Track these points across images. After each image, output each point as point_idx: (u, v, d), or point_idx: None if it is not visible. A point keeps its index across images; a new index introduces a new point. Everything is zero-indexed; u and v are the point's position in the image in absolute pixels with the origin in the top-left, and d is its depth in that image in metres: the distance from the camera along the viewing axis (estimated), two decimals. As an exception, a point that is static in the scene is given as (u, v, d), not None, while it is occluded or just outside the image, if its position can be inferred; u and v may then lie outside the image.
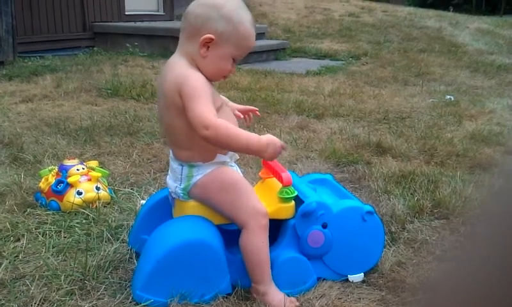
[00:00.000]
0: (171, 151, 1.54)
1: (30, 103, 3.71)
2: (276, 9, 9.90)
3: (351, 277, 1.58)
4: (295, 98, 4.11)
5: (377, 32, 8.93)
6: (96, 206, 1.98)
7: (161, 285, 1.38)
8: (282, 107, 3.81)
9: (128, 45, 6.30)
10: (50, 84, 4.32)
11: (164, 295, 1.38)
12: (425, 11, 12.12)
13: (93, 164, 2.17)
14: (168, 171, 1.59)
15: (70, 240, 1.75)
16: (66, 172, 2.04)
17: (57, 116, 3.36)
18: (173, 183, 1.51)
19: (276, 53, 6.99)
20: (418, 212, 2.06)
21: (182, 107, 1.38)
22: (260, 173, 1.69)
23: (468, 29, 9.61)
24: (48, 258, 1.63)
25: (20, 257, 1.64)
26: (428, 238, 1.86)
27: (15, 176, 2.26)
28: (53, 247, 1.69)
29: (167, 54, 5.62)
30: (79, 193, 1.99)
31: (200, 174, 1.47)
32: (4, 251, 1.66)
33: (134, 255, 1.66)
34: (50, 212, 1.95)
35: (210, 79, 1.46)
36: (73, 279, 1.51)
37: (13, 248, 1.69)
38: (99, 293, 1.46)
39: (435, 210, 2.09)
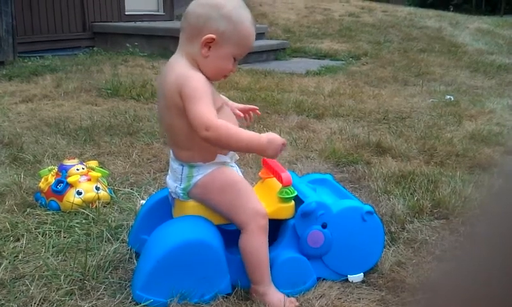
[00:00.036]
0: (171, 151, 1.54)
1: (30, 103, 3.71)
2: (276, 9, 9.90)
3: (350, 277, 1.58)
4: (295, 98, 4.11)
5: (377, 32, 8.93)
6: (96, 206, 1.98)
7: (161, 285, 1.38)
8: (282, 107, 3.81)
9: (128, 45, 6.30)
10: (50, 84, 4.32)
11: (164, 295, 1.38)
12: (425, 11, 12.12)
13: (93, 164, 2.17)
14: (167, 170, 1.59)
15: (70, 240, 1.75)
16: (66, 172, 2.04)
17: (57, 116, 3.36)
18: (173, 183, 1.51)
19: (276, 53, 6.99)
20: (418, 212, 2.06)
21: (183, 107, 1.38)
22: (260, 173, 1.69)
23: (468, 29, 9.61)
24: (48, 258, 1.63)
25: (20, 257, 1.64)
26: (428, 238, 1.86)
27: (15, 176, 2.26)
28: (53, 247, 1.69)
29: (167, 54, 5.62)
30: (79, 193, 1.99)
31: (200, 174, 1.47)
32: (4, 251, 1.66)
33: (134, 255, 1.66)
34: (49, 212, 1.95)
35: (211, 79, 1.47)
36: (73, 279, 1.51)
37: (12, 248, 1.69)
38: (99, 293, 1.46)
39: (435, 210, 2.09)
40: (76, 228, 1.83)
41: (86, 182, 2.04)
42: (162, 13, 7.97)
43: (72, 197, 1.97)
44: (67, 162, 2.11)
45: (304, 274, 1.52)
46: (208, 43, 1.41)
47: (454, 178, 2.44)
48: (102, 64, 5.30)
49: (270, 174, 1.62)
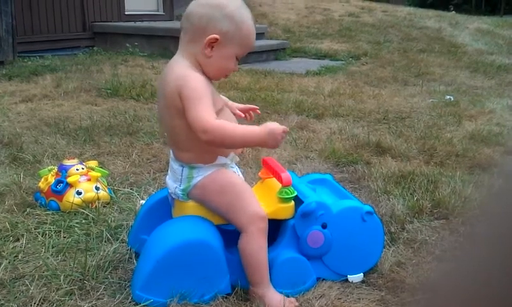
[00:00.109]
0: (171, 152, 1.54)
1: (30, 103, 3.71)
2: (276, 9, 9.90)
3: (350, 278, 1.58)
4: (295, 98, 4.11)
5: (377, 32, 8.93)
6: (96, 206, 1.98)
7: (161, 285, 1.38)
8: (282, 107, 3.81)
9: (128, 45, 6.30)
10: (50, 83, 4.32)
11: (163, 295, 1.38)
12: (425, 11, 12.12)
13: (93, 163, 2.17)
14: (167, 171, 1.59)
15: (70, 240, 1.75)
16: (66, 172, 2.04)
17: (57, 115, 3.36)
18: (172, 184, 1.51)
19: (276, 53, 6.99)
20: (418, 212, 2.06)
21: (182, 108, 1.38)
22: (259, 173, 1.69)
23: (468, 29, 9.61)
24: (48, 258, 1.63)
25: (20, 257, 1.64)
26: (428, 238, 1.86)
27: (15, 176, 2.26)
28: (52, 247, 1.69)
29: (167, 54, 5.63)
30: (79, 193, 1.99)
31: (200, 175, 1.47)
32: (4, 251, 1.66)
33: (134, 255, 1.66)
34: (49, 212, 1.95)
35: (213, 78, 1.48)
36: (73, 279, 1.51)
37: (12, 248, 1.69)
38: (98, 293, 1.46)
39: (435, 210, 2.09)
40: (76, 228, 1.83)
41: (85, 182, 2.04)
42: (162, 13, 7.97)
43: (71, 197, 1.97)
44: (67, 162, 2.11)
45: (304, 274, 1.52)
46: (212, 43, 1.41)
47: (453, 178, 2.44)
48: (102, 64, 5.30)
49: (270, 174, 1.62)
